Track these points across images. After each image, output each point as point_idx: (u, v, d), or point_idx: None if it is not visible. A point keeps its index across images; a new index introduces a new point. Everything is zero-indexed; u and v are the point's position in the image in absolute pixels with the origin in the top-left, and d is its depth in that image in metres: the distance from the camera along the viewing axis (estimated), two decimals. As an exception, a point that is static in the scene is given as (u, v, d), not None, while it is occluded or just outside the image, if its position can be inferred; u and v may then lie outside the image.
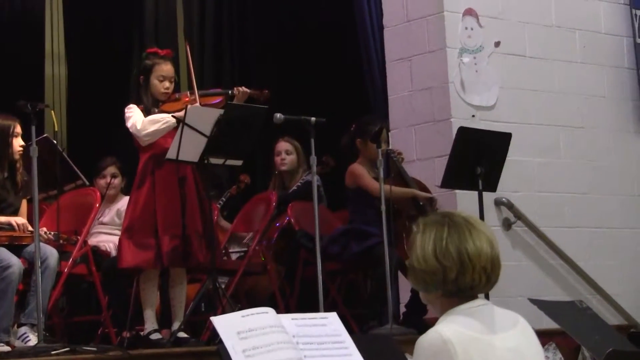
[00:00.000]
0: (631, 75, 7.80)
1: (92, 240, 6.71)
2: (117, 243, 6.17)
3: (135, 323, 6.21)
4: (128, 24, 9.33)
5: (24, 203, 5.73)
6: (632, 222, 7.63)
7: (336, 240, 6.58)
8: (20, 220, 5.54)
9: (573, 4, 7.56)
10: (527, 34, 7.31)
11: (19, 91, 6.62)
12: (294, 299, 6.85)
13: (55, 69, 9.06)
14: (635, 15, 7.83)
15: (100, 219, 6.96)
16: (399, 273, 6.49)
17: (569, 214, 7.31)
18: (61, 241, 5.85)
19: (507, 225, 6.97)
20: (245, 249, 7.13)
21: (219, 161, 5.80)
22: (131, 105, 5.84)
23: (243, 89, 5.96)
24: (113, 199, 7.08)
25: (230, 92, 5.98)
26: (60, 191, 6.20)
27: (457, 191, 6.66)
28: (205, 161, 5.70)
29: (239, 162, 5.97)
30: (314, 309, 5.53)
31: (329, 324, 3.44)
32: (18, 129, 5.61)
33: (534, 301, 4.82)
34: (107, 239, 6.85)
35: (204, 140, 5.61)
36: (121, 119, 5.84)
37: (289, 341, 3.27)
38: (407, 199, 6.51)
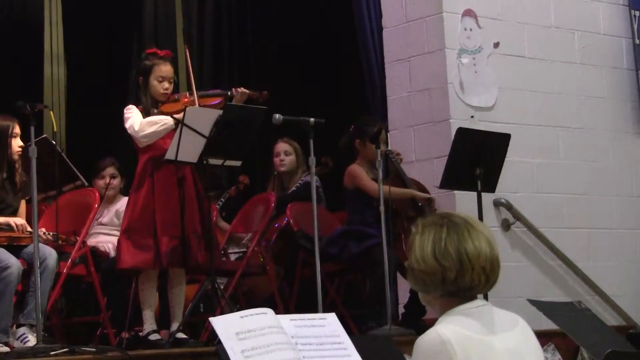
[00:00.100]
0: (630, 76, 7.81)
1: (91, 241, 6.71)
2: (116, 244, 6.16)
3: (134, 324, 6.21)
4: (127, 25, 9.32)
5: (23, 203, 5.73)
6: (630, 222, 7.63)
7: (335, 241, 6.58)
8: (19, 220, 5.54)
9: (572, 4, 7.57)
10: (526, 34, 7.31)
11: (18, 92, 6.63)
12: (292, 299, 6.84)
13: (55, 70, 9.05)
14: (634, 16, 7.84)
15: (99, 220, 6.96)
16: (398, 274, 6.49)
17: (568, 215, 7.32)
18: (60, 242, 5.85)
19: (506, 226, 6.98)
20: (244, 249, 7.13)
21: (218, 162, 5.79)
22: (130, 106, 5.84)
23: (242, 89, 5.96)
24: (112, 200, 7.08)
25: (229, 92, 5.98)
26: (59, 192, 6.20)
27: (456, 192, 6.67)
28: (204, 162, 5.69)
29: (237, 163, 5.97)
30: (313, 309, 5.53)
31: (328, 324, 3.44)
32: (17, 130, 5.60)
33: (532, 302, 4.83)
34: (106, 239, 6.85)
35: (203, 141, 5.61)
36: (120, 119, 5.83)
37: (288, 342, 3.27)
38: (405, 199, 6.52)
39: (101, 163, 7.15)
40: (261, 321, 3.28)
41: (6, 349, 5.11)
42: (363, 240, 6.41)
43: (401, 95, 7.20)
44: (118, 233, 6.16)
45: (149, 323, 5.76)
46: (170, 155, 5.60)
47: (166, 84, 5.88)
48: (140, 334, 5.90)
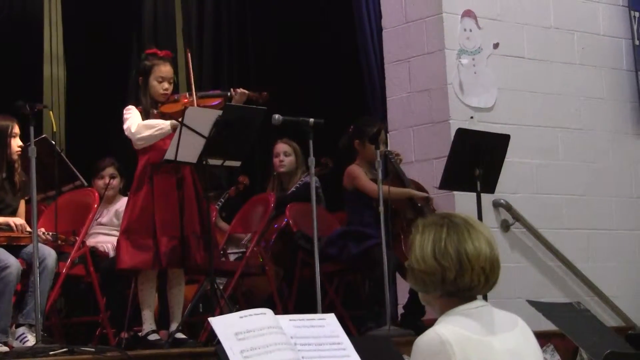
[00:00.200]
0: (629, 77, 7.81)
1: (91, 241, 6.71)
2: (115, 244, 6.16)
3: (134, 324, 6.22)
4: (127, 25, 9.32)
5: (22, 203, 5.73)
6: (630, 223, 7.63)
7: (334, 242, 6.58)
8: (18, 220, 5.54)
9: (571, 5, 7.57)
10: (525, 35, 7.31)
11: (18, 92, 6.62)
12: (292, 300, 6.84)
13: (54, 70, 9.05)
14: (634, 17, 7.84)
15: (99, 220, 6.96)
16: (397, 274, 6.49)
17: (567, 216, 7.32)
18: (59, 242, 5.85)
19: (505, 226, 6.97)
20: (244, 250, 7.13)
21: (218, 162, 5.80)
22: (130, 107, 5.84)
23: (241, 90, 5.97)
24: (111, 200, 7.08)
25: (228, 93, 5.98)
26: (58, 192, 6.20)
27: (455, 193, 6.67)
28: (204, 162, 5.70)
29: (237, 163, 5.97)
30: (312, 310, 5.53)
31: (327, 325, 3.44)
32: (16, 130, 5.61)
33: (532, 303, 4.83)
34: (105, 239, 6.85)
35: (202, 141, 5.61)
36: (120, 120, 5.84)
37: (287, 342, 3.27)
38: (404, 200, 6.52)
39: (100, 163, 7.15)
40: (260, 321, 3.28)
41: (5, 348, 5.12)
42: (362, 240, 6.41)
43: (401, 95, 7.20)
44: (117, 233, 6.17)
45: (148, 323, 5.76)
46: (169, 155, 5.60)
47: (166, 85, 5.88)
48: (140, 334, 5.90)
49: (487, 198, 6.50)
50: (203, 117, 5.64)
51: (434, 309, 2.95)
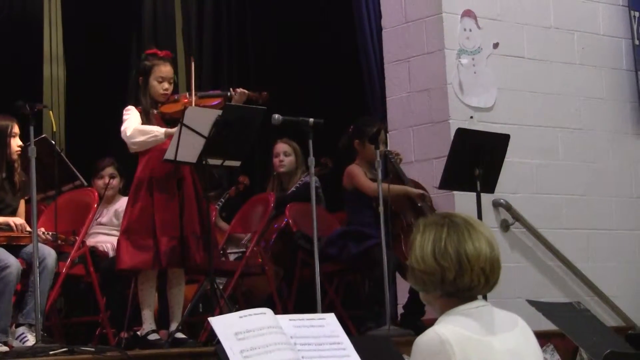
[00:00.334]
0: (629, 77, 7.81)
1: (90, 241, 6.71)
2: (115, 244, 6.16)
3: (133, 324, 6.22)
4: (126, 25, 9.32)
5: (22, 203, 5.73)
6: (630, 223, 7.63)
7: (334, 242, 6.58)
8: (18, 220, 5.54)
9: (571, 5, 7.57)
10: (525, 35, 7.31)
11: (18, 92, 6.62)
12: (291, 300, 6.84)
13: (54, 70, 9.06)
14: (634, 16, 7.83)
15: (99, 220, 6.96)
16: (397, 274, 6.49)
17: (567, 216, 7.31)
18: (59, 242, 5.85)
19: (505, 226, 6.97)
20: (243, 249, 7.13)
21: (217, 162, 5.80)
22: (129, 107, 5.84)
23: (241, 90, 5.97)
24: (111, 200, 7.08)
25: (228, 93, 5.98)
26: (58, 192, 6.20)
27: (455, 192, 6.66)
28: (204, 162, 5.70)
29: (237, 163, 5.97)
30: (312, 310, 5.53)
31: (327, 325, 3.44)
32: (16, 129, 5.61)
33: (532, 302, 4.83)
34: (105, 239, 6.85)
35: (202, 141, 5.61)
36: (119, 119, 5.84)
37: (287, 342, 3.27)
38: (405, 200, 6.52)
39: (100, 163, 7.16)
40: (260, 321, 3.28)
41: (5, 348, 5.12)
42: (362, 240, 6.41)
43: (400, 95, 7.20)
44: (117, 233, 6.17)
45: (148, 323, 5.76)
46: (169, 155, 5.60)
47: (166, 85, 5.88)
48: (139, 333, 5.90)
49: (487, 198, 6.50)
50: (203, 117, 5.64)
51: (434, 309, 2.95)
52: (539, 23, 7.38)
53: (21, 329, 5.30)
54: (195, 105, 5.81)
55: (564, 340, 5.81)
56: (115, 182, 7.08)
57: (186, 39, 9.55)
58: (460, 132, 6.23)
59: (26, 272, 5.33)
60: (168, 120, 5.86)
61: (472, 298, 2.89)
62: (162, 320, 6.17)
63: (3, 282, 5.19)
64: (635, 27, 7.84)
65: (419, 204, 6.51)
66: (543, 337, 5.70)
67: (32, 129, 5.15)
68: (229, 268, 6.64)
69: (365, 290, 7.17)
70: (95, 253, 6.62)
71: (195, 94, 5.91)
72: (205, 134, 5.61)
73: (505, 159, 6.32)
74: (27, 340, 5.21)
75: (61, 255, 5.83)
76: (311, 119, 5.77)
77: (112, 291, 6.50)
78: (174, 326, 5.77)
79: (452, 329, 2.79)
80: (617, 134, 7.69)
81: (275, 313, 3.36)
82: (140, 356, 5.13)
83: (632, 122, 7.79)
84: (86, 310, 7.18)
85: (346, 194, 6.65)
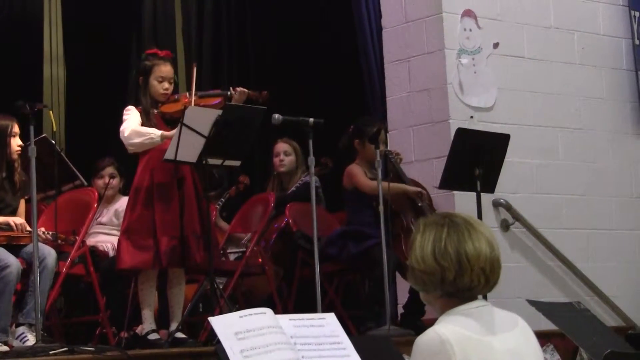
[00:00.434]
0: (629, 77, 7.81)
1: (90, 241, 6.71)
2: (115, 243, 6.16)
3: (133, 323, 6.22)
4: (126, 25, 9.32)
5: (22, 203, 5.73)
6: (630, 223, 7.63)
7: (334, 242, 6.58)
8: (18, 220, 5.54)
9: (571, 5, 7.57)
10: (525, 35, 7.31)
11: (18, 92, 6.62)
12: (291, 299, 6.85)
13: (54, 70, 9.06)
14: (634, 16, 7.83)
15: (99, 219, 6.96)
16: (397, 274, 6.49)
17: (567, 216, 7.31)
18: (59, 241, 5.85)
19: (505, 226, 6.97)
20: (243, 249, 7.13)
21: (218, 162, 5.80)
22: (129, 107, 5.84)
23: (241, 89, 5.97)
24: (111, 200, 7.09)
25: (228, 92, 5.98)
26: (58, 191, 6.20)
27: (455, 192, 6.67)
28: (204, 162, 5.70)
29: (237, 163, 5.97)
30: (312, 309, 5.53)
31: (327, 324, 3.44)
32: (16, 129, 5.61)
33: (532, 302, 4.83)
34: (105, 239, 6.85)
35: (202, 141, 5.61)
36: (119, 119, 5.84)
37: (287, 342, 3.27)
38: (405, 200, 6.52)
39: (100, 163, 7.16)
40: (260, 321, 3.28)
41: (5, 348, 5.12)
42: (362, 240, 6.41)
43: (400, 95, 7.20)
44: (117, 233, 6.17)
45: (148, 323, 5.76)
46: (169, 155, 5.60)
47: (166, 84, 5.88)
48: (139, 332, 5.90)
49: (487, 198, 6.50)
50: (203, 116, 5.64)
51: (434, 309, 2.95)
52: (539, 23, 7.38)
53: (21, 329, 5.30)
54: (195, 104, 5.81)
55: (564, 340, 5.81)
56: (116, 181, 7.08)
57: (186, 39, 9.55)
58: (460, 132, 6.23)
59: (26, 272, 5.33)
60: (168, 120, 5.86)
61: (472, 298, 2.89)
62: (162, 320, 6.17)
63: (3, 281, 5.19)
64: (635, 27, 7.84)
65: (419, 204, 6.51)
66: (543, 337, 5.70)
67: (32, 128, 5.15)
68: (229, 268, 6.64)
69: (365, 290, 7.17)
70: (95, 253, 6.62)
71: (195, 94, 5.91)
72: (206, 133, 5.61)
73: (505, 159, 6.33)
74: (27, 339, 5.21)
75: (61, 254, 5.83)
76: (311, 119, 5.77)
77: (112, 291, 6.50)
78: (174, 326, 5.78)
79: (452, 328, 2.79)
80: (617, 134, 7.69)
81: (275, 313, 3.36)
82: (140, 356, 5.13)
83: (632, 122, 7.79)
84: (86, 309, 7.18)
85: (346, 193, 6.65)
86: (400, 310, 6.67)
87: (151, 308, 5.83)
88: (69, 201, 6.48)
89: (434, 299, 2.92)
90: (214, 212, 7.32)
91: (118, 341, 6.09)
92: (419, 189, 6.53)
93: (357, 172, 6.54)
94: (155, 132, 5.72)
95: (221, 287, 6.07)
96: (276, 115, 5.73)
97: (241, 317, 3.29)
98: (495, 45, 7.14)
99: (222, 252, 7.00)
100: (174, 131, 5.61)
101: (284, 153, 7.47)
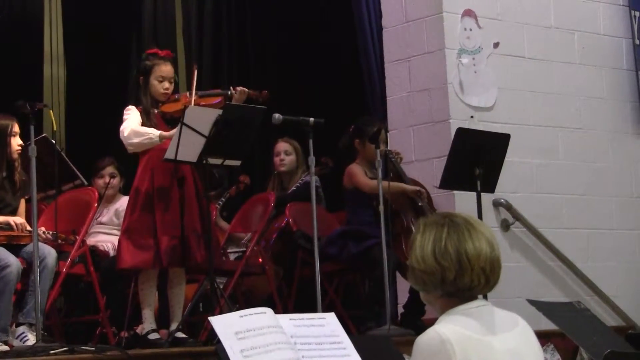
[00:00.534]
0: (630, 77, 7.81)
1: (91, 240, 6.71)
2: (115, 243, 6.16)
3: (134, 323, 6.22)
4: (127, 25, 9.32)
5: (23, 203, 5.73)
6: (630, 223, 7.63)
7: (334, 241, 6.58)
8: (18, 219, 5.54)
9: (572, 5, 7.57)
10: (525, 35, 7.31)
11: (18, 92, 6.62)
12: (291, 299, 6.85)
13: (54, 70, 9.05)
14: (634, 16, 7.83)
15: (99, 219, 6.96)
16: (397, 274, 6.50)
17: (567, 215, 7.31)
18: (59, 241, 5.85)
19: (505, 226, 6.97)
20: (244, 249, 7.13)
21: (218, 161, 5.80)
22: (130, 107, 5.84)
23: (241, 88, 5.97)
24: (111, 199, 7.09)
25: (229, 92, 5.98)
26: (58, 191, 6.20)
27: (455, 192, 6.67)
28: (204, 161, 5.70)
29: (237, 163, 5.97)
30: (312, 309, 5.53)
31: (327, 324, 3.44)
32: (16, 128, 5.61)
33: (532, 302, 4.83)
34: (105, 238, 6.85)
35: (202, 141, 5.61)
36: (120, 119, 5.84)
37: (287, 341, 3.27)
38: (405, 199, 6.52)
39: (101, 162, 7.16)
40: (260, 321, 3.29)
41: (5, 347, 5.12)
42: (362, 240, 6.41)
43: (401, 95, 7.20)
44: (117, 232, 6.17)
45: (149, 322, 5.76)
46: (169, 154, 5.60)
47: (166, 84, 5.88)
48: (139, 332, 5.90)
49: (487, 197, 6.50)
50: (203, 116, 5.65)
51: (434, 309, 2.94)
52: (539, 23, 7.38)
53: (21, 328, 5.30)
54: (196, 104, 5.81)
55: (564, 339, 5.81)
56: (116, 181, 7.08)
57: (186, 39, 9.55)
58: (461, 131, 6.23)
59: (26, 272, 5.33)
60: (168, 120, 5.86)
61: (473, 298, 2.89)
62: (162, 319, 6.17)
63: (3, 281, 5.19)
64: (635, 26, 7.84)
65: (419, 204, 6.51)
66: (543, 337, 5.69)
67: (32, 128, 5.15)
68: (229, 267, 6.64)
69: (365, 290, 7.17)
70: (96, 252, 6.62)
71: (195, 93, 5.91)
72: (206, 133, 5.61)
73: (506, 159, 6.33)
74: (28, 339, 5.21)
75: (61, 254, 5.83)
76: (311, 119, 5.77)
77: (113, 290, 6.50)
78: (174, 325, 5.78)
79: (452, 328, 2.79)
80: (618, 134, 7.69)
81: (276, 312, 3.36)
82: (140, 355, 5.13)
83: (632, 122, 7.79)
84: (86, 309, 7.18)
85: (346, 193, 6.65)
86: (400, 310, 6.67)
87: (151, 308, 5.83)
88: (69, 201, 6.48)
89: (434, 298, 2.92)
90: (214, 212, 7.32)
91: (118, 341, 6.09)
92: (417, 188, 6.53)
93: (357, 171, 6.54)
94: (154, 132, 5.72)
95: (221, 286, 6.07)
96: (276, 115, 5.72)
97: (241, 316, 3.29)
98: (496, 45, 7.14)
99: (222, 251, 7.00)
100: (173, 131, 5.61)
101: (285, 153, 7.47)
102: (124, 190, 6.94)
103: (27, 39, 8.86)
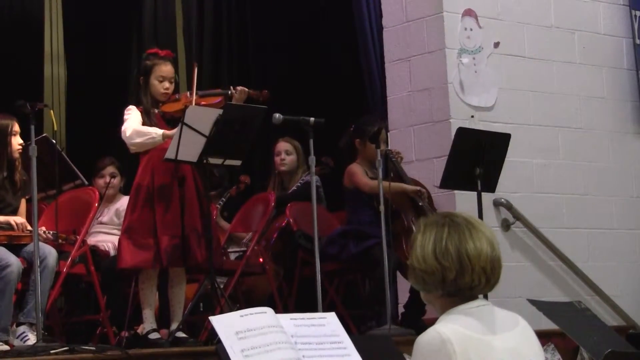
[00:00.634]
0: (630, 76, 7.81)
1: (91, 240, 6.71)
2: (115, 243, 6.16)
3: (134, 323, 6.22)
4: (127, 25, 9.33)
5: (23, 202, 5.73)
6: (630, 223, 7.63)
7: (334, 241, 6.58)
8: (19, 219, 5.55)
9: (572, 4, 7.57)
10: (526, 34, 7.31)
11: (18, 92, 6.62)
12: (292, 299, 6.85)
13: (55, 70, 9.05)
14: (635, 16, 7.84)
15: (99, 219, 6.96)
16: (398, 273, 6.50)
17: (568, 215, 7.32)
18: (60, 241, 5.84)
19: (505, 226, 6.98)
20: (244, 249, 7.13)
21: (218, 161, 5.80)
22: (130, 107, 5.84)
23: (241, 87, 5.96)
24: (112, 199, 7.09)
25: (229, 91, 5.98)
26: (59, 191, 6.20)
27: (456, 192, 6.67)
28: (204, 161, 5.70)
29: (237, 162, 5.97)
30: (313, 309, 5.53)
31: (328, 324, 3.44)
32: (16, 128, 5.61)
33: (532, 302, 4.84)
34: (106, 238, 6.85)
35: (203, 140, 5.61)
36: (120, 119, 5.84)
37: (288, 341, 3.27)
38: (406, 199, 6.52)
39: (101, 162, 7.16)
40: (261, 320, 3.28)
41: (6, 347, 5.12)
42: (362, 240, 6.41)
43: (401, 95, 7.21)
44: (118, 232, 6.17)
45: (149, 322, 5.76)
46: (170, 154, 5.60)
47: (167, 84, 5.88)
48: (139, 331, 5.90)
49: (487, 197, 6.50)
50: (204, 116, 5.64)
51: (435, 308, 2.94)
52: (539, 22, 7.38)
53: (22, 328, 5.30)
54: (196, 104, 5.81)
55: (565, 339, 5.81)
56: (116, 181, 7.08)
57: (187, 39, 9.55)
58: (461, 131, 6.23)
59: (27, 271, 5.33)
60: (169, 120, 5.86)
61: (473, 297, 2.89)
62: (162, 319, 6.17)
63: (4, 281, 5.20)
64: (636, 26, 7.84)
65: (420, 203, 6.51)
66: (544, 337, 5.71)
67: (32, 128, 5.14)
68: (229, 267, 6.64)
69: (366, 290, 7.17)
70: (96, 252, 6.62)
71: (196, 93, 5.91)
72: (206, 133, 5.61)
73: (506, 159, 6.32)
74: (28, 339, 5.21)
75: (62, 254, 5.83)
76: (312, 118, 5.76)
77: (113, 290, 6.50)
78: (174, 325, 5.78)
79: (453, 328, 2.79)
80: (618, 134, 7.70)
81: (276, 312, 3.36)
82: (140, 355, 5.12)
83: (632, 122, 7.79)
84: (87, 309, 7.18)
85: (347, 193, 6.65)
86: (401, 309, 6.67)
87: (152, 307, 5.83)
88: (69, 200, 6.48)
89: (435, 298, 2.92)
90: (215, 212, 7.31)
91: (119, 340, 6.09)
92: (418, 188, 6.53)
93: (357, 171, 6.54)
94: (156, 132, 5.72)
95: (222, 286, 6.07)
96: (277, 115, 5.72)
97: (242, 316, 3.29)
98: (496, 45, 7.14)
99: (222, 251, 7.00)
100: (175, 130, 5.61)
101: (285, 152, 7.46)
102: (125, 190, 6.93)
103: (27, 39, 8.86)
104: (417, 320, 6.24)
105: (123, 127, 5.76)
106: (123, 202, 6.65)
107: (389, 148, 6.77)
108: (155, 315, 5.92)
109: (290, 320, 3.37)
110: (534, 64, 7.32)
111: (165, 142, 5.70)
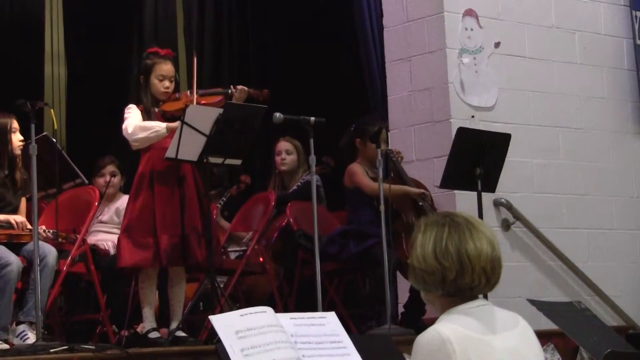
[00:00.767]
0: (631, 77, 7.81)
1: (91, 239, 6.71)
2: (115, 242, 6.16)
3: (134, 322, 6.22)
4: (127, 24, 9.33)
5: (23, 201, 5.73)
6: (630, 223, 7.63)
7: (335, 241, 6.58)
8: (19, 218, 5.55)
9: (573, 5, 7.57)
10: (526, 34, 7.31)
11: (19, 91, 6.62)
12: (292, 298, 6.85)
13: (55, 69, 9.06)
14: (635, 16, 7.84)
15: (100, 218, 6.96)
16: (398, 273, 6.49)
17: (568, 215, 7.32)
18: (60, 239, 5.84)
19: (505, 226, 6.98)
20: (244, 248, 7.13)
21: (218, 160, 5.80)
22: (131, 106, 5.84)
23: (241, 87, 5.96)
24: (112, 198, 7.09)
25: (229, 91, 5.98)
26: (59, 190, 6.20)
27: (456, 192, 6.67)
28: (205, 160, 5.70)
29: (238, 162, 5.97)
30: (313, 308, 5.53)
31: (327, 323, 3.44)
32: (15, 125, 5.61)
33: (532, 302, 4.84)
34: (106, 237, 6.85)
35: (203, 140, 5.61)
36: (120, 118, 5.84)
37: (288, 340, 3.27)
38: (406, 199, 6.52)
39: (101, 161, 7.16)
40: (261, 320, 3.28)
41: (6, 346, 5.12)
42: (363, 240, 6.41)
43: (402, 94, 7.21)
44: (118, 231, 6.17)
45: (149, 321, 5.76)
46: (170, 153, 5.60)
47: (167, 83, 5.88)
48: (139, 331, 5.90)
49: (487, 197, 6.50)
50: (204, 115, 5.64)
51: (435, 308, 2.94)
52: (540, 22, 7.38)
53: (22, 327, 5.30)
54: (197, 103, 5.80)
55: (565, 339, 5.81)
56: (116, 180, 7.08)
57: (187, 38, 9.55)
58: (461, 131, 6.23)
59: (27, 270, 5.33)
60: (169, 119, 5.86)
61: (473, 297, 2.89)
62: (162, 318, 6.17)
63: (4, 280, 5.20)
64: (636, 26, 7.84)
65: (420, 203, 6.51)
66: (543, 337, 5.70)
67: (33, 127, 5.15)
68: (229, 267, 6.64)
69: (366, 289, 7.17)
70: (96, 251, 6.62)
71: (196, 92, 5.91)
72: (207, 132, 5.61)
73: (506, 159, 6.32)
74: (28, 338, 5.21)
75: (62, 253, 5.83)
76: (312, 118, 5.76)
77: (113, 289, 6.50)
78: (174, 324, 5.78)
79: (452, 327, 2.79)
80: (618, 134, 7.70)
81: (276, 312, 3.36)
82: (140, 354, 5.13)
83: (633, 122, 7.79)
84: (87, 308, 7.18)
85: (347, 192, 6.65)
86: (400, 309, 6.66)
87: (152, 306, 5.83)
88: (69, 199, 6.48)
89: (435, 298, 2.92)
90: (215, 211, 7.31)
91: (118, 339, 6.09)
92: (421, 191, 6.52)
93: (358, 171, 6.54)
94: (160, 125, 5.72)
95: (222, 285, 6.07)
96: (277, 114, 5.72)
97: (242, 315, 3.29)
98: (497, 45, 7.14)
99: (222, 251, 7.00)
100: (178, 123, 5.60)
101: (286, 152, 7.46)
102: (125, 189, 6.93)
103: (28, 38, 8.86)
104: (417, 320, 6.24)
105: (124, 125, 5.76)
106: (123, 201, 6.65)
107: (390, 148, 6.77)
108: (155, 315, 5.92)
109: (290, 320, 3.37)
110: (535, 64, 7.32)
111: (166, 141, 5.70)
